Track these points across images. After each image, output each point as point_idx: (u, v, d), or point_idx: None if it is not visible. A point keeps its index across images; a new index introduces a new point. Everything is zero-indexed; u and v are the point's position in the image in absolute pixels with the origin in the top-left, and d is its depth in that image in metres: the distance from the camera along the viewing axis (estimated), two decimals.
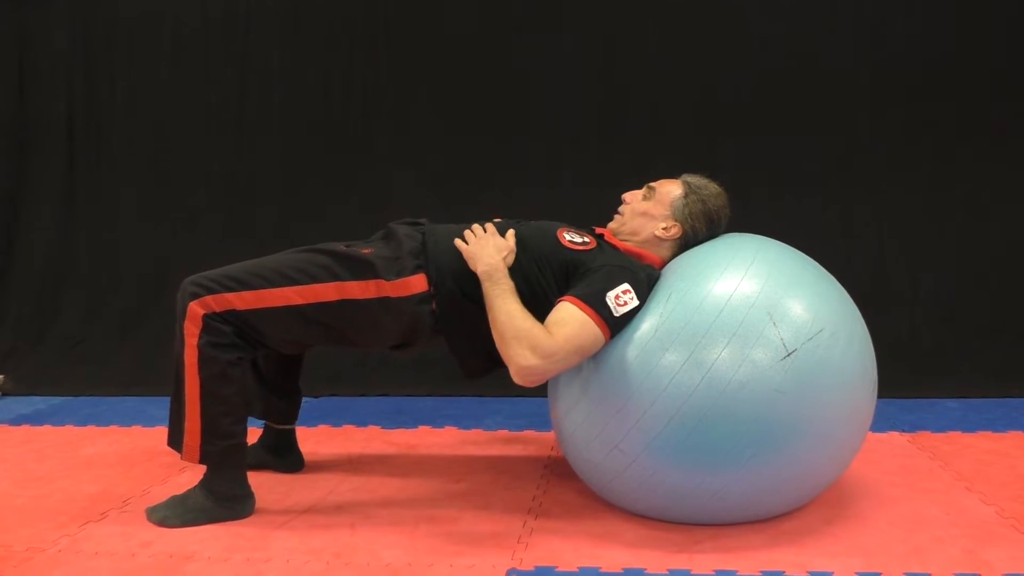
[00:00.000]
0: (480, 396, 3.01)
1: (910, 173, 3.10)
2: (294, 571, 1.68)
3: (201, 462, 1.92)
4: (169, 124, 3.39)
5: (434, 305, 1.91)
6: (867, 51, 3.09)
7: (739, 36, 3.13)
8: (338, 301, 1.90)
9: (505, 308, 1.78)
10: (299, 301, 1.90)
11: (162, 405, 2.92)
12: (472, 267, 1.88)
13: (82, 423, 2.78)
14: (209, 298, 1.89)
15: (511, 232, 1.95)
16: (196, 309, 1.89)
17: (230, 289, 1.90)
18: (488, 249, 1.89)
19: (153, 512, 1.94)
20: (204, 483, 1.94)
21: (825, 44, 3.10)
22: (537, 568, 1.66)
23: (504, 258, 1.87)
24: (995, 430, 2.53)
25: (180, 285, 1.94)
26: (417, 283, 1.90)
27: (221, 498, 1.92)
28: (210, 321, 1.89)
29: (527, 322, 1.75)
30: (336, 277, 1.91)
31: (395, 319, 1.92)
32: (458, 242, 1.94)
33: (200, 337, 1.88)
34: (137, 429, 2.70)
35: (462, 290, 1.91)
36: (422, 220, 2.06)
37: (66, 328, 3.41)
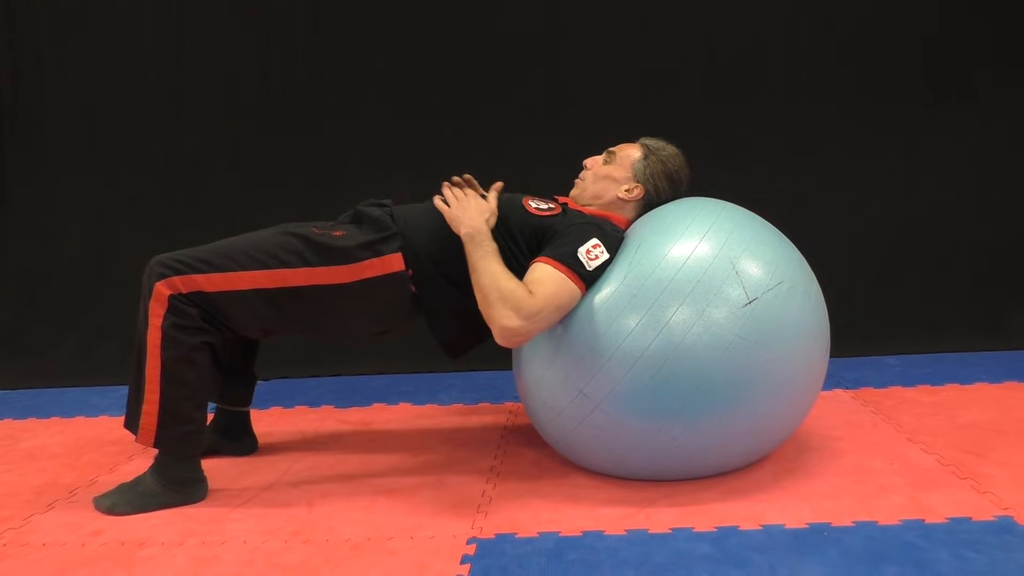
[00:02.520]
0: (433, 372, 3.01)
1: (847, 135, 3.16)
2: (251, 551, 1.65)
3: (156, 446, 1.87)
4: (103, 104, 3.24)
5: (412, 287, 1.93)
6: (806, 15, 3.13)
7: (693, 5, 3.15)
8: (308, 286, 1.89)
9: (489, 270, 1.80)
10: (268, 285, 1.88)
11: (105, 395, 2.90)
12: (455, 230, 1.89)
13: (22, 416, 2.69)
14: (176, 279, 1.85)
15: (493, 194, 1.97)
16: (162, 289, 1.84)
17: (198, 270, 1.86)
18: (470, 211, 1.89)
19: (101, 500, 1.89)
20: (156, 468, 1.90)
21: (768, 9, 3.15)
22: (497, 536, 1.67)
23: (487, 220, 1.89)
24: (933, 384, 2.63)
25: (147, 265, 1.89)
26: (393, 262, 1.91)
27: (173, 483, 1.88)
28: (176, 303, 1.84)
29: (511, 283, 1.77)
30: (307, 262, 1.89)
31: (369, 302, 1.93)
32: (439, 203, 1.94)
33: (165, 318, 1.83)
34: (80, 419, 2.62)
35: (438, 269, 1.93)
36: (387, 201, 2.05)
37: None
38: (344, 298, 1.91)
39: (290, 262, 1.88)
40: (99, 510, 1.87)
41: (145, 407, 1.85)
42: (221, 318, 1.90)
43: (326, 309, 1.94)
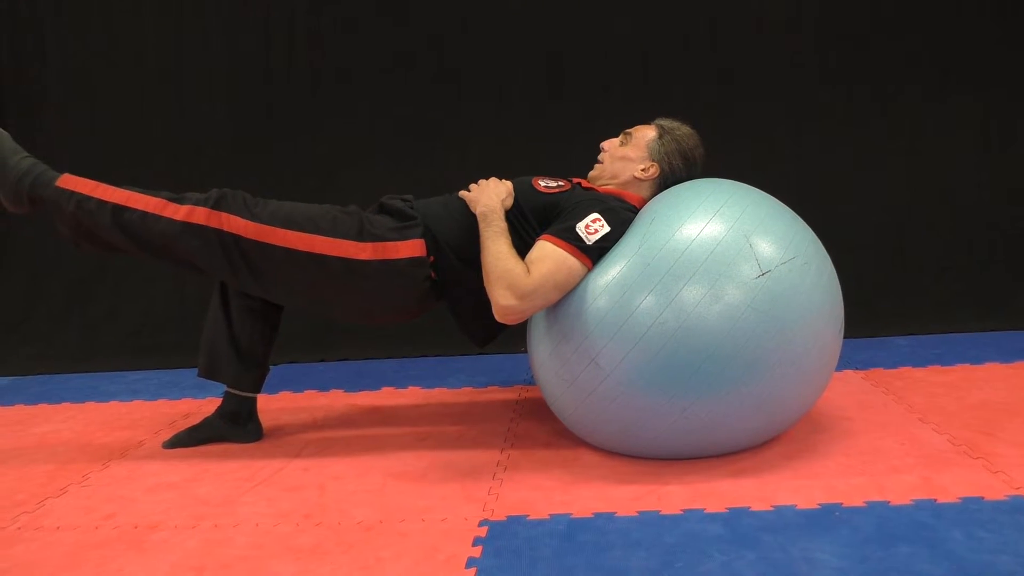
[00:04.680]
0: (443, 356, 3.01)
1: (855, 113, 3.14)
2: (263, 535, 1.66)
3: (56, 186, 1.99)
4: (105, 90, 3.24)
5: (433, 274, 2.00)
6: None
7: None
8: (332, 256, 1.96)
9: (494, 249, 1.88)
10: (298, 246, 1.96)
11: (114, 380, 2.91)
12: (472, 210, 1.98)
13: (32, 402, 2.70)
14: (224, 216, 1.96)
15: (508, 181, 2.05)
16: (204, 213, 1.96)
17: (244, 215, 1.97)
18: (488, 192, 1.99)
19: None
20: (26, 178, 2.00)
21: None
22: (509, 518, 1.67)
23: (503, 200, 1.97)
24: (943, 364, 2.62)
25: (222, 188, 2.02)
26: (415, 247, 1.98)
27: (13, 185, 2.00)
28: (201, 230, 1.96)
29: (510, 262, 1.84)
30: (337, 233, 1.97)
31: (386, 286, 1.99)
32: (463, 192, 2.04)
33: (181, 220, 1.96)
34: (91, 405, 2.63)
35: (459, 256, 1.99)
36: (408, 196, 2.12)
37: (7, 307, 3.29)
38: (362, 277, 1.97)
39: (323, 228, 1.97)
40: None
41: (100, 190, 1.98)
42: (237, 255, 1.98)
43: (343, 284, 1.99)
